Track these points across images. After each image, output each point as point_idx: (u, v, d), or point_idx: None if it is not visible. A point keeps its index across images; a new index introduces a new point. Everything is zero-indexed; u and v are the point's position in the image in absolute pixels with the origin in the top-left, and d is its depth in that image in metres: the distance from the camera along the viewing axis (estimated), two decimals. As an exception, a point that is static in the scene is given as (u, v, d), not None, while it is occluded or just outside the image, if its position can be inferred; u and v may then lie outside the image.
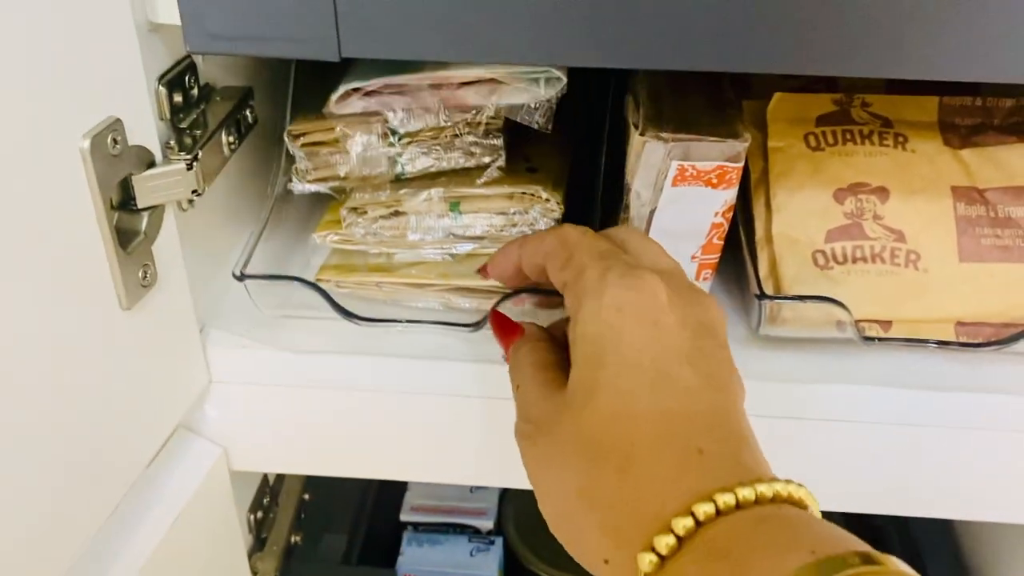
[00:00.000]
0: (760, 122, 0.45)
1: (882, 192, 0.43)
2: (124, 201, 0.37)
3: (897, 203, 0.43)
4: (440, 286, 0.46)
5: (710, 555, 0.26)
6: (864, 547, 0.25)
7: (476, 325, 0.44)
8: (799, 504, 0.28)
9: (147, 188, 0.37)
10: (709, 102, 0.41)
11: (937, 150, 0.44)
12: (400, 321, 0.45)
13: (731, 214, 0.41)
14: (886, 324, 0.43)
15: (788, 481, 0.28)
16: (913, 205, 0.43)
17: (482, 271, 0.43)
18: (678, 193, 0.39)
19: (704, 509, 0.26)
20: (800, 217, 0.43)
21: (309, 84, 0.46)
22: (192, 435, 0.47)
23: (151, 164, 0.37)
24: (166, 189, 0.38)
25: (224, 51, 0.37)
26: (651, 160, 0.38)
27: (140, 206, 0.37)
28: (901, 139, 0.44)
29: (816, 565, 0.24)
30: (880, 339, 0.43)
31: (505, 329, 0.39)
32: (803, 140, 0.44)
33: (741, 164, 0.39)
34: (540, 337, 0.37)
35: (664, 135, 0.38)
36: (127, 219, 0.37)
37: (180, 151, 0.39)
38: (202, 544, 0.47)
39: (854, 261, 0.43)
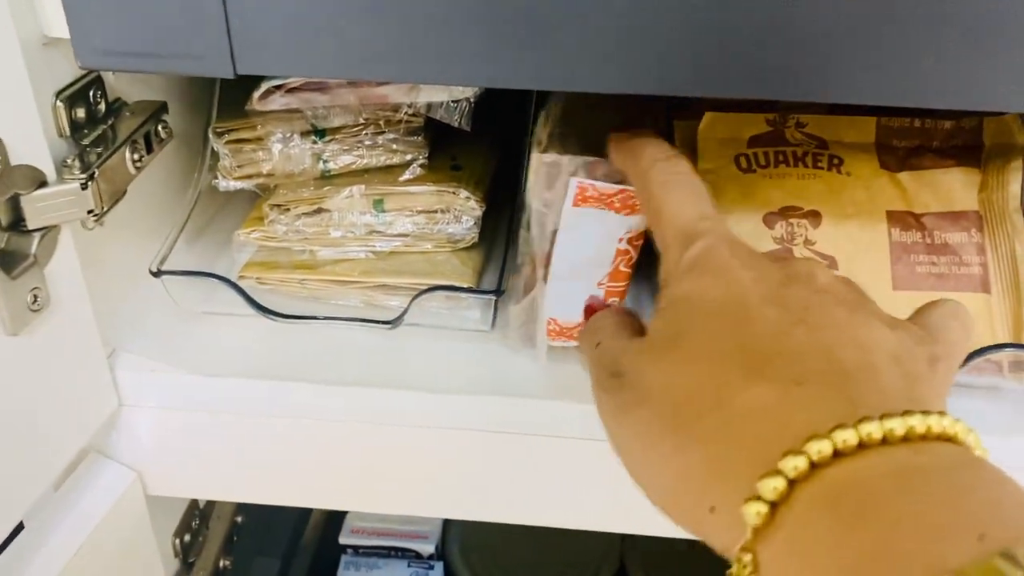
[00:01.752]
0: (693, 142, 0.44)
1: (814, 216, 0.42)
2: (14, 222, 0.35)
3: (830, 228, 0.42)
4: (363, 283, 0.46)
5: (838, 517, 0.21)
6: None
7: (395, 322, 0.43)
8: (954, 441, 0.23)
9: (37, 209, 0.35)
10: (627, 122, 0.39)
11: (873, 173, 0.43)
12: (318, 318, 0.45)
13: (640, 242, 0.39)
14: None
15: (932, 413, 0.22)
16: (846, 230, 0.42)
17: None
18: (580, 215, 0.37)
19: (818, 448, 0.22)
20: None
21: (237, 86, 0.45)
22: (105, 459, 0.45)
23: (43, 183, 0.36)
24: (59, 209, 0.36)
25: (116, 67, 0.36)
26: (549, 178, 0.37)
27: (31, 227, 0.36)
28: (836, 161, 0.43)
29: (984, 564, 0.18)
30: None
31: (594, 308, 0.37)
32: (733, 162, 0.43)
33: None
34: (623, 309, 0.35)
35: (563, 152, 0.36)
36: (16, 241, 0.35)
37: (79, 169, 0.37)
38: (115, 569, 0.46)
39: None
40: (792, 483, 0.22)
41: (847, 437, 0.22)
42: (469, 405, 0.42)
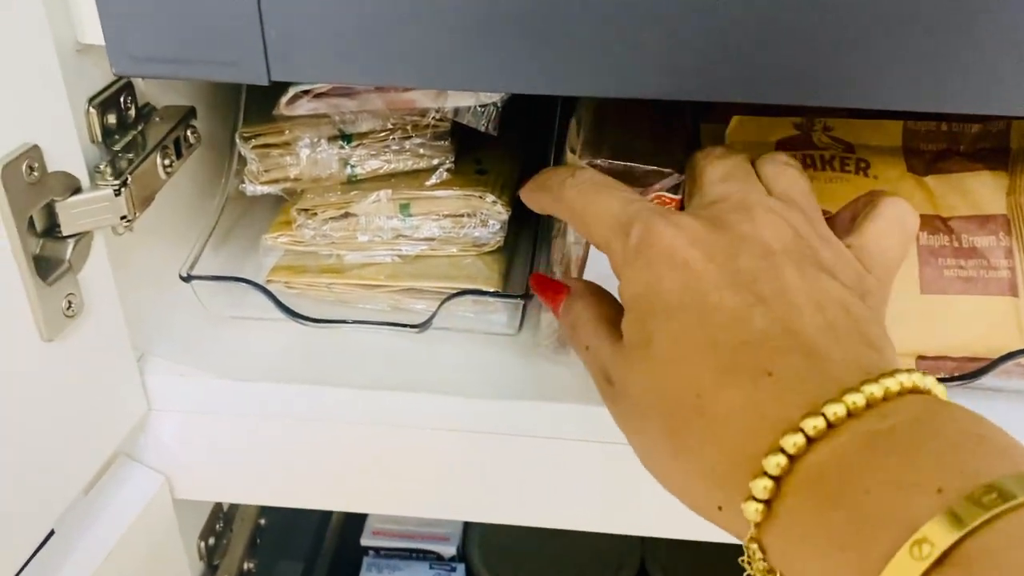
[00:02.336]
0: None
1: None
2: (49, 228, 0.36)
3: None
4: (390, 287, 0.46)
5: (822, 499, 0.23)
6: (1008, 463, 0.21)
7: (423, 326, 0.44)
8: (916, 391, 0.25)
9: (71, 215, 0.36)
10: (656, 129, 0.39)
11: (900, 176, 0.43)
12: (347, 322, 0.45)
13: None
14: None
15: (889, 374, 0.24)
16: None
17: None
18: None
19: (793, 441, 0.24)
20: None
21: (268, 90, 0.45)
22: (133, 463, 0.45)
23: (77, 190, 0.36)
24: (92, 216, 0.36)
25: (151, 74, 0.36)
26: None
27: (65, 233, 0.36)
28: (863, 165, 0.43)
29: (946, 517, 0.20)
30: None
31: (549, 289, 0.37)
32: None
33: (681, 195, 0.37)
34: (591, 290, 0.35)
35: (599, 161, 0.36)
36: (52, 247, 0.36)
37: (111, 175, 0.38)
38: (144, 572, 0.46)
39: None
40: (778, 479, 0.24)
41: (816, 423, 0.24)
42: (498, 409, 0.42)
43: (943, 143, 0.43)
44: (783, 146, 0.43)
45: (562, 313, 0.35)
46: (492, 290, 0.44)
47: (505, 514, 0.47)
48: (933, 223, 0.42)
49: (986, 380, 0.41)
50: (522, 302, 0.44)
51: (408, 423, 0.43)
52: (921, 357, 0.41)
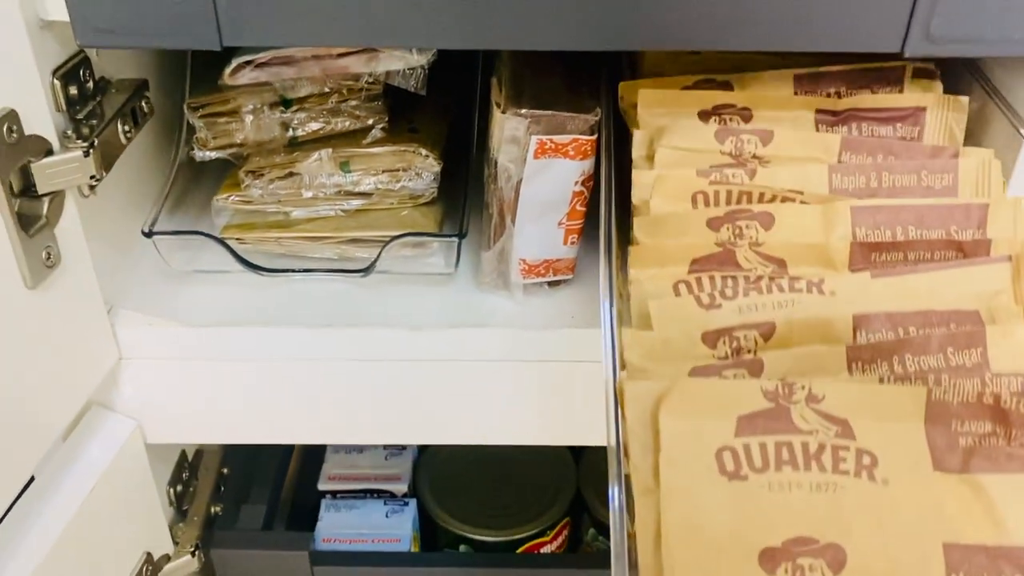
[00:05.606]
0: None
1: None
2: (25, 188, 0.39)
3: None
4: (334, 238, 0.51)
5: None
6: None
7: (367, 270, 0.48)
8: None
9: (46, 175, 0.39)
10: (567, 81, 0.45)
11: (926, 476, 0.29)
12: (297, 271, 0.49)
13: (591, 183, 0.45)
14: None
15: None
16: None
17: None
18: (540, 165, 0.43)
19: None
20: None
21: (211, 63, 0.49)
22: (107, 411, 0.49)
23: (49, 152, 0.40)
24: (64, 175, 0.40)
25: (112, 44, 0.40)
26: (513, 135, 0.42)
27: (41, 192, 0.40)
28: (867, 462, 0.30)
29: None
30: None
31: None
32: None
33: (595, 136, 0.43)
34: None
35: (523, 112, 0.42)
36: (28, 205, 0.39)
37: (78, 140, 0.41)
38: (120, 513, 0.50)
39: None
40: None
41: None
42: (439, 337, 0.47)
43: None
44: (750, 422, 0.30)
45: None
46: (428, 231, 0.49)
47: (453, 434, 0.51)
48: None
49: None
50: (458, 242, 0.49)
51: (358, 356, 0.48)
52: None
